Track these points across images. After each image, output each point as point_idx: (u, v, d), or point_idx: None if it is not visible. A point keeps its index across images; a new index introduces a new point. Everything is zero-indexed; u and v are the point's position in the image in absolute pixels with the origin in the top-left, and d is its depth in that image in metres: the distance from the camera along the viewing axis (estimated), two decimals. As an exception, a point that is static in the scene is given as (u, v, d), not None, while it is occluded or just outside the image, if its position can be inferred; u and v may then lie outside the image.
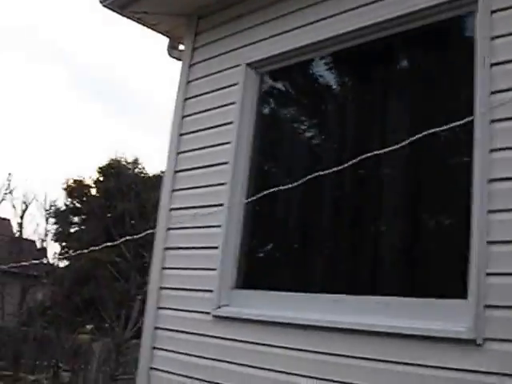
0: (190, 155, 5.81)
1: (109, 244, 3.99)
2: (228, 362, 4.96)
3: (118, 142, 44.75)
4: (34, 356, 11.97)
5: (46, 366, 12.23)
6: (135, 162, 34.52)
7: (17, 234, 11.39)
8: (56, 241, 27.71)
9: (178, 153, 5.94)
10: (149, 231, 4.54)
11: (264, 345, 4.74)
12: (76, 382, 10.50)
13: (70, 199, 34.06)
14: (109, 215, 26.80)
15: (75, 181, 34.81)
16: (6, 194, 11.35)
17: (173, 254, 5.71)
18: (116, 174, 32.39)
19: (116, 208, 25.45)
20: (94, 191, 34.67)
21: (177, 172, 5.91)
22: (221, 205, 5.29)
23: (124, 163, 34.51)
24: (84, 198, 34.77)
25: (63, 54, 51.75)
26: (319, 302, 4.53)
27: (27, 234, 11.64)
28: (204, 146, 5.70)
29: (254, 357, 4.77)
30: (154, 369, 5.57)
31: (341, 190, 4.83)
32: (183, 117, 6.03)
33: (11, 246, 12.14)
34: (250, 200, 5.02)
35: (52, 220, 27.68)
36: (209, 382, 5.06)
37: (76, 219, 34.54)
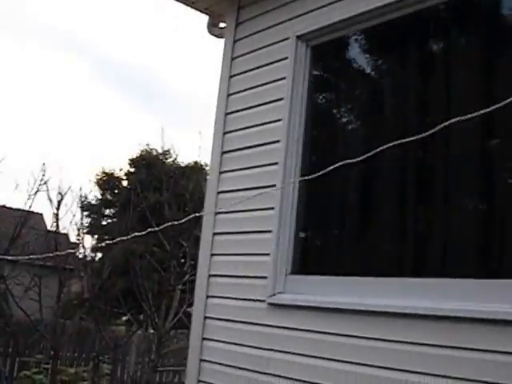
0: (238, 134, 5.50)
1: (151, 230, 3.67)
2: (285, 352, 4.66)
3: (150, 132, 44.52)
4: (73, 348, 11.82)
5: (85, 358, 12.07)
6: (167, 153, 34.33)
7: (53, 226, 11.13)
8: (89, 233, 27.60)
9: (225, 133, 5.63)
10: (192, 216, 4.23)
11: (324, 333, 4.43)
12: (116, 374, 10.29)
13: (101, 192, 34.00)
14: (141, 207, 26.64)
15: (106, 173, 34.73)
16: (40, 185, 11.06)
17: (222, 240, 5.41)
18: (147, 165, 32.24)
19: (148, 199, 25.30)
20: (125, 183, 34.58)
21: (224, 153, 5.60)
22: (273, 185, 4.97)
23: (155, 154, 34.36)
24: (115, 191, 34.71)
25: (91, 43, 51.71)
26: (382, 285, 4.21)
27: (63, 225, 11.34)
28: (252, 124, 5.38)
29: (313, 346, 4.47)
30: (205, 360, 5.29)
31: (405, 166, 4.48)
32: (228, 95, 5.73)
33: (46, 240, 11.90)
34: (306, 178, 4.68)
35: (85, 213, 27.62)
36: (264, 373, 4.76)
37: (108, 212, 34.49)
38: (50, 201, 10.64)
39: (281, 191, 4.92)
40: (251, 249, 5.10)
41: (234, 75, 5.73)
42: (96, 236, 26.62)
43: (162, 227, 3.89)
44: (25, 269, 11.81)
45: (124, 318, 20.16)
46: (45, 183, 11.00)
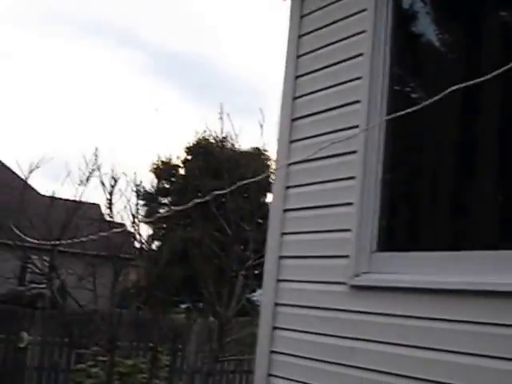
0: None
1: (196, 201, 3.14)
2: (371, 340, 4.04)
3: (205, 120, 44.20)
4: (130, 339, 11.37)
5: (143, 349, 11.63)
6: (224, 140, 33.85)
7: (107, 212, 10.65)
8: (146, 222, 27.27)
9: (297, 77, 5.02)
10: (239, 183, 3.62)
11: (417, 318, 3.79)
12: (175, 364, 9.79)
13: (157, 180, 33.73)
14: (199, 194, 26.36)
15: (163, 162, 34.43)
16: (93, 170, 10.58)
17: (294, 217, 4.79)
18: (204, 152, 31.89)
19: (206, 187, 24.92)
20: (182, 171, 34.28)
21: (294, 120, 4.98)
22: (354, 152, 4.35)
23: (212, 141, 33.97)
24: (172, 179, 34.43)
25: (145, 36, 51.57)
26: (489, 260, 3.54)
27: (117, 210, 10.85)
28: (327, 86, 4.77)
29: (405, 333, 3.84)
30: (276, 352, 4.68)
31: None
32: (298, 57, 5.10)
33: (101, 229, 11.45)
34: (395, 116, 4.04)
35: (141, 202, 27.35)
36: (346, 365, 4.15)
37: (165, 200, 34.25)
38: (103, 184, 10.15)
39: (362, 158, 4.29)
40: (329, 225, 4.48)
41: (304, 34, 5.12)
42: (153, 225, 26.32)
43: (205, 199, 3.41)
44: (78, 258, 11.41)
45: (183, 306, 19.76)
46: (98, 168, 10.51)
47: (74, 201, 11.78)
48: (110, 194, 10.24)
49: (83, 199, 12.13)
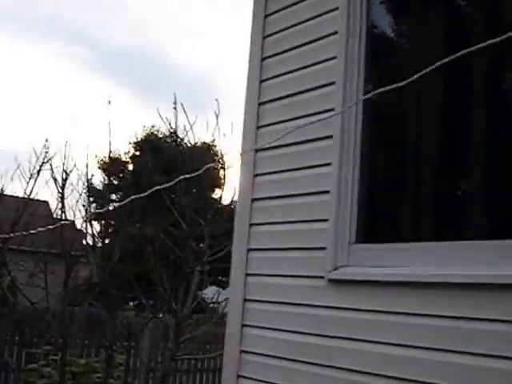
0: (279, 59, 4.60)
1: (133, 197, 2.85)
2: (352, 339, 3.75)
3: (153, 115, 43.69)
4: (83, 338, 10.98)
5: (94, 347, 11.26)
6: (173, 135, 33.45)
7: (58, 207, 10.19)
8: (95, 219, 26.65)
9: (263, 58, 4.72)
10: (181, 178, 3.35)
11: (402, 314, 3.53)
12: (129, 364, 9.42)
13: (106, 176, 33.14)
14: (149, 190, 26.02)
15: (111, 158, 33.83)
16: (43, 163, 10.09)
17: (264, 206, 4.48)
18: (153, 147, 31.49)
19: (156, 182, 24.57)
20: (131, 167, 33.76)
21: (261, 104, 4.67)
22: (329, 137, 4.06)
23: (161, 136, 33.58)
24: (121, 175, 33.89)
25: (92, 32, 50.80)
26: (476, 251, 3.29)
27: (67, 207, 10.39)
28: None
29: (389, 330, 3.57)
30: (246, 352, 4.37)
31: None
32: (264, 37, 4.79)
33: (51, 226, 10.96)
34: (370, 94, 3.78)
35: (90, 199, 26.83)
36: (326, 366, 3.86)
37: (114, 197, 33.69)
38: (55, 180, 9.69)
39: (339, 142, 4.00)
40: (303, 214, 4.18)
41: (271, 14, 4.80)
42: (103, 222, 25.82)
43: (148, 192, 3.06)
44: (28, 255, 10.95)
45: (132, 304, 19.31)
46: (49, 161, 10.05)
47: (23, 198, 11.28)
48: (62, 188, 9.79)
49: (33, 195, 11.63)
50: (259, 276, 4.39)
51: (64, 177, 9.71)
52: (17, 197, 11.84)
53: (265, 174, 4.48)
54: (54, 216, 11.84)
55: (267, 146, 4.40)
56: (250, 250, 4.45)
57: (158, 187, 3.10)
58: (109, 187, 33.13)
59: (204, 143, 29.13)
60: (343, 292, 3.85)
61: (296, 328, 4.07)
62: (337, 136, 4.01)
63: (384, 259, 3.72)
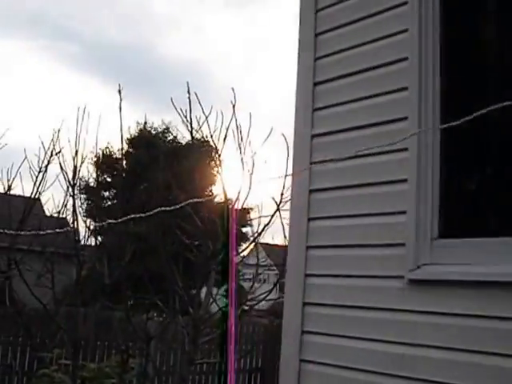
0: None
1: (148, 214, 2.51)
2: (432, 346, 3.31)
3: (146, 112, 43.25)
4: (93, 341, 10.51)
5: (108, 350, 10.81)
6: (166, 131, 33.11)
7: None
8: (88, 217, 26.14)
9: (317, 34, 4.24)
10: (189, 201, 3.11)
11: (495, 318, 3.09)
12: (144, 367, 8.94)
13: (99, 173, 32.63)
14: (142, 187, 25.67)
15: (104, 154, 33.40)
16: (51, 156, 9.57)
17: (325, 198, 4.01)
18: (146, 144, 31.10)
19: (149, 179, 24.22)
20: (124, 164, 33.31)
21: (317, 84, 4.20)
22: (404, 119, 3.60)
23: (154, 133, 33.20)
24: (114, 172, 33.42)
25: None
26: None
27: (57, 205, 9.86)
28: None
29: (479, 336, 3.12)
30: (307, 361, 3.90)
31: None
32: (317, 11, 4.32)
33: (44, 224, 10.50)
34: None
35: (83, 196, 26.35)
36: (401, 376, 3.40)
37: (107, 194, 33.26)
38: (63, 171, 9.16)
39: (416, 123, 3.54)
40: (374, 207, 3.71)
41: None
42: (96, 219, 25.29)
43: (151, 212, 3.02)
44: (36, 255, 10.44)
45: (129, 303, 18.76)
46: (57, 153, 9.49)
47: (30, 197, 10.71)
48: (73, 186, 9.27)
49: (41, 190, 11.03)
50: (321, 277, 3.92)
51: (68, 178, 9.19)
52: (23, 196, 11.29)
53: (325, 161, 4.00)
54: (55, 214, 11.31)
55: (332, 129, 3.94)
56: (309, 247, 3.98)
57: (162, 209, 3.03)
58: (101, 184, 32.64)
59: (199, 139, 28.74)
60: (426, 294, 3.40)
61: (365, 334, 3.62)
62: (414, 117, 3.55)
63: (472, 256, 3.26)
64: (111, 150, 33.40)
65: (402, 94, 3.63)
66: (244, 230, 19.44)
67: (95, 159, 32.66)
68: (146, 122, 31.72)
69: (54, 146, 9.50)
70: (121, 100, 9.26)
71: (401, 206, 3.53)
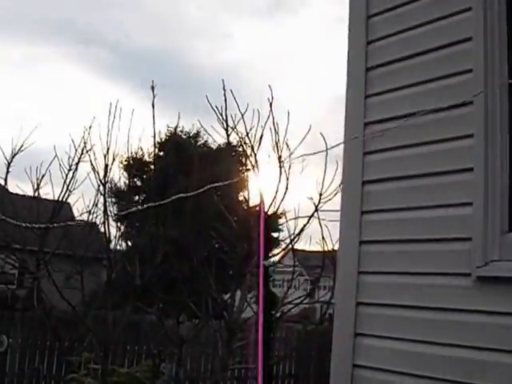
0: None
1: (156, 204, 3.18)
2: (504, 351, 2.99)
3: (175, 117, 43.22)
4: (124, 344, 10.29)
5: (137, 354, 10.58)
6: (196, 136, 32.95)
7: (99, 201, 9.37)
8: (117, 221, 26.01)
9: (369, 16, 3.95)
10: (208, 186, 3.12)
11: None
12: (176, 372, 8.68)
13: (128, 177, 32.53)
14: (172, 190, 25.43)
15: (134, 158, 33.23)
16: (82, 154, 9.33)
17: (380, 190, 3.71)
18: (176, 148, 30.93)
19: (178, 184, 24.07)
20: (153, 168, 33.28)
21: (370, 69, 3.91)
22: (469, 103, 3.29)
23: (184, 137, 33.04)
24: (144, 176, 33.34)
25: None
26: None
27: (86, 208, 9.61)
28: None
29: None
30: (361, 366, 3.59)
31: None
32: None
33: (74, 228, 10.34)
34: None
35: (112, 199, 26.21)
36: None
37: (136, 198, 33.13)
38: (95, 171, 8.94)
39: (483, 108, 3.23)
40: (436, 198, 3.40)
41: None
42: (125, 223, 25.15)
43: (169, 199, 3.12)
44: (64, 258, 10.24)
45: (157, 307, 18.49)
46: (87, 152, 9.27)
47: (57, 201, 10.46)
48: (104, 184, 9.05)
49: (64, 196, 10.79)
50: (376, 274, 3.62)
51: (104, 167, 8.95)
52: (51, 200, 11.08)
53: (379, 151, 3.72)
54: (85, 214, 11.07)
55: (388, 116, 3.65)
56: (362, 242, 3.68)
57: (181, 195, 3.11)
58: (131, 188, 32.54)
59: (228, 144, 28.58)
60: (496, 293, 3.08)
61: (426, 337, 3.31)
62: (479, 101, 3.24)
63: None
64: (141, 153, 33.26)
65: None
66: (276, 234, 19.19)
67: (126, 163, 32.65)
68: (177, 126, 31.54)
69: (84, 143, 9.30)
70: (154, 97, 9.07)
71: (466, 197, 3.22)
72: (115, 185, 28.92)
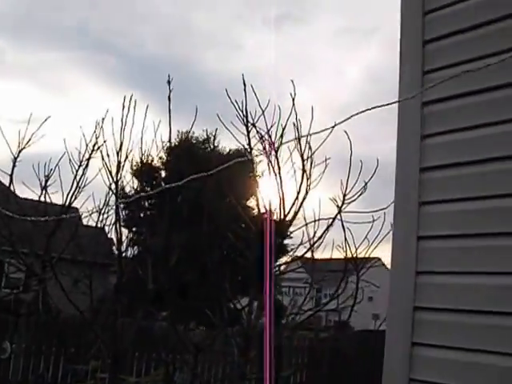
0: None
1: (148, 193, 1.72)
2: None
3: (184, 125, 42.85)
4: (133, 351, 9.80)
5: (147, 362, 10.11)
6: (207, 141, 32.58)
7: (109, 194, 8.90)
8: (126, 227, 25.64)
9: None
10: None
11: None
12: (191, 382, 8.18)
13: (138, 182, 32.13)
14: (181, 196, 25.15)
15: (143, 163, 32.84)
16: (93, 150, 8.83)
17: (442, 177, 3.20)
18: (187, 153, 30.55)
19: (189, 189, 23.70)
20: (163, 173, 32.97)
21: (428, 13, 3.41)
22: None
23: (195, 142, 32.70)
24: (153, 182, 32.99)
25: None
26: None
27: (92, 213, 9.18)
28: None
29: None
30: (418, 381, 3.07)
31: None
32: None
33: (80, 233, 9.91)
34: None
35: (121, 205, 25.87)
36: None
37: (146, 203, 32.77)
38: (106, 168, 8.45)
39: None
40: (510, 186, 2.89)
41: None
42: (134, 229, 24.74)
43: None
44: (70, 262, 9.80)
45: (164, 313, 18.01)
46: (98, 148, 8.78)
47: (62, 205, 9.97)
48: (116, 182, 8.56)
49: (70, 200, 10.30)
50: (437, 274, 3.11)
51: (116, 164, 8.46)
52: (55, 204, 10.62)
53: (440, 133, 3.21)
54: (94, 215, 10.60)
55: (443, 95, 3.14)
56: (420, 238, 3.17)
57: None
58: (139, 193, 32.16)
59: (238, 150, 28.23)
60: None
61: (501, 348, 2.79)
62: None
63: None
64: (151, 158, 32.85)
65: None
66: (286, 241, 18.75)
67: (135, 168, 32.29)
68: (188, 132, 31.17)
69: (96, 138, 8.82)
70: (170, 91, 8.58)
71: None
72: (122, 188, 28.47)
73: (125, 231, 10.88)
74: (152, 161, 31.16)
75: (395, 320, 3.24)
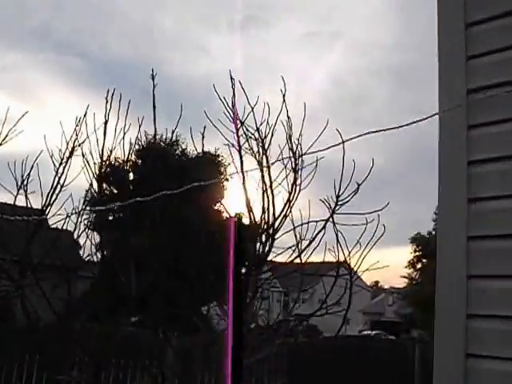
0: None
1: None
2: None
3: (153, 125, 42.60)
4: (117, 361, 9.43)
5: (130, 371, 9.76)
6: (175, 144, 32.23)
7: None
8: (94, 230, 25.14)
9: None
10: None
11: None
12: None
13: (105, 185, 31.71)
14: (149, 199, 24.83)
15: (110, 165, 32.43)
16: (74, 147, 8.42)
17: (491, 171, 2.91)
18: (155, 156, 30.12)
19: (156, 192, 23.46)
20: (131, 176, 32.61)
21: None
22: None
23: (163, 145, 32.29)
24: (121, 184, 32.55)
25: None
26: None
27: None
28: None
29: None
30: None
31: None
32: None
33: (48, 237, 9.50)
34: None
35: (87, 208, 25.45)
36: None
37: (115, 206, 32.36)
38: (87, 166, 8.07)
39: None
40: None
41: None
42: (101, 233, 24.37)
43: (152, 197, 3.23)
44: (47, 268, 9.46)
45: (134, 319, 17.61)
46: (79, 145, 8.39)
47: (41, 209, 9.57)
48: (99, 180, 8.19)
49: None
50: (493, 279, 2.81)
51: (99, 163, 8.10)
52: (32, 208, 10.23)
53: (489, 123, 2.92)
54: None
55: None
56: (471, 238, 2.87)
57: (138, 199, 3.19)
58: (108, 196, 31.67)
59: (209, 153, 27.95)
60: None
61: None
62: None
63: None
64: (118, 161, 32.47)
65: None
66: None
67: (99, 170, 31.81)
68: (155, 134, 30.73)
69: (76, 135, 8.44)
70: (154, 86, 8.23)
71: None
72: (88, 192, 28.08)
73: (94, 235, 10.55)
74: (123, 163, 30.76)
75: (445, 328, 2.93)
